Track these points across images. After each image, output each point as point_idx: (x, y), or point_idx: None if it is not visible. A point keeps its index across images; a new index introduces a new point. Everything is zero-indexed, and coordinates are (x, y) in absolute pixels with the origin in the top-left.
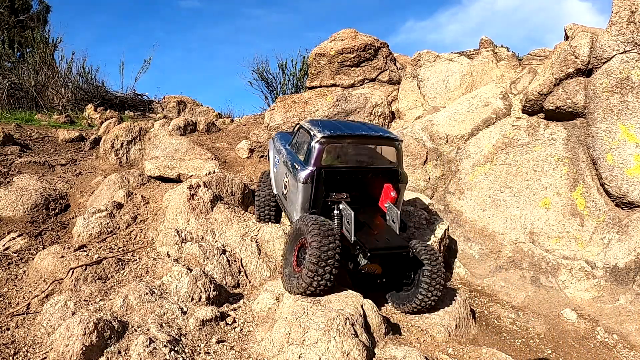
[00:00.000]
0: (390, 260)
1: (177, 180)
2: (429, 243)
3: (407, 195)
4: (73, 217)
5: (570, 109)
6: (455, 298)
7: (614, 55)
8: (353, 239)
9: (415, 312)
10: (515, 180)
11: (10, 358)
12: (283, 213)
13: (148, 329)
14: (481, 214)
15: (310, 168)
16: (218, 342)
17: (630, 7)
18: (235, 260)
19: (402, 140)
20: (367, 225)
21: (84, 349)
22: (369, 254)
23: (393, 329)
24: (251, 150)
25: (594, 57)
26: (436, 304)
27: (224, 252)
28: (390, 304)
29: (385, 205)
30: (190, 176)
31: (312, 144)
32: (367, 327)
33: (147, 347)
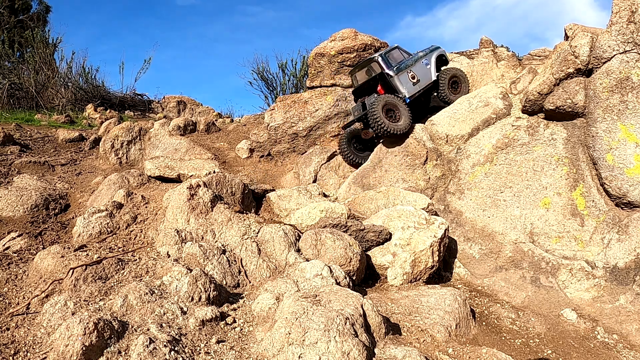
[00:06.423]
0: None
1: (177, 180)
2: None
3: (407, 195)
4: (73, 217)
5: (570, 109)
6: (455, 298)
7: (614, 55)
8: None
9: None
10: (515, 180)
11: (10, 358)
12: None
13: (148, 329)
14: (481, 214)
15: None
16: (218, 342)
17: (630, 7)
18: (235, 260)
19: (379, 55)
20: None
21: (84, 348)
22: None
23: (393, 329)
24: (251, 150)
25: (594, 57)
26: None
27: (224, 252)
28: None
29: (374, 94)
30: (190, 176)
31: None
32: (367, 327)
33: (147, 347)
